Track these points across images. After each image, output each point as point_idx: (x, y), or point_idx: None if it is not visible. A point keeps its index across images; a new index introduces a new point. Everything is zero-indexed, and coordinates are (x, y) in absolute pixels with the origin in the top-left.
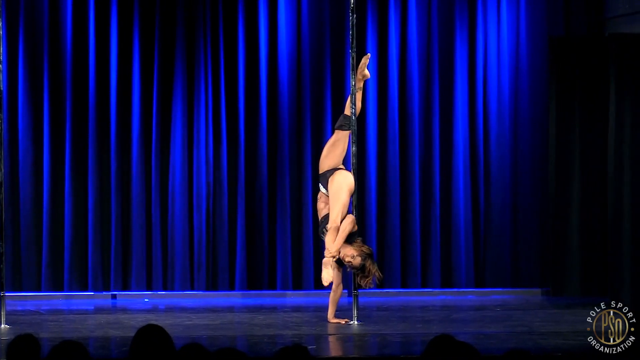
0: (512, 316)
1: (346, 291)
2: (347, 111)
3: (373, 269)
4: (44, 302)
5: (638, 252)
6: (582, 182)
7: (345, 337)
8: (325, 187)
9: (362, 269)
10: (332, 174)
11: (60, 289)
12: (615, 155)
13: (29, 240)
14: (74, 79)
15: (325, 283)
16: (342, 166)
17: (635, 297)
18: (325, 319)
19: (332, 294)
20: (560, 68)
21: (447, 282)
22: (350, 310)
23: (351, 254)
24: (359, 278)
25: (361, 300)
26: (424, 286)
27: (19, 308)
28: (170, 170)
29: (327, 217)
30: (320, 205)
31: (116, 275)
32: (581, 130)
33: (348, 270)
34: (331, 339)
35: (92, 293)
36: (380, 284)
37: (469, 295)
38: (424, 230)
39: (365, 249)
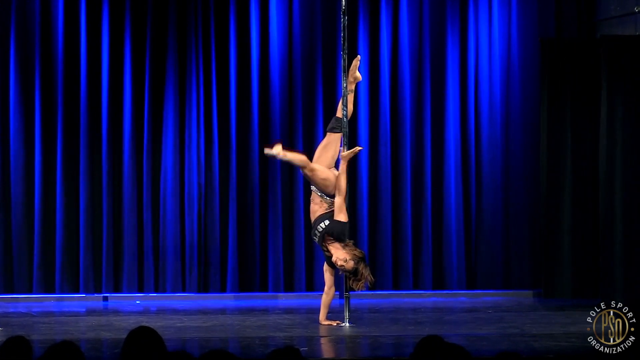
0: (504, 318)
1: (338, 293)
2: (339, 114)
3: (366, 272)
4: (36, 304)
5: (629, 254)
6: (574, 183)
7: (337, 339)
8: (318, 188)
9: (354, 272)
10: None
11: (51, 290)
12: (606, 157)
13: (21, 242)
14: (65, 81)
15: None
16: (333, 169)
17: (627, 299)
18: (317, 321)
19: (324, 296)
20: (551, 70)
21: (438, 284)
22: (342, 312)
23: (344, 258)
24: (351, 281)
25: (353, 302)
26: (415, 288)
27: (11, 310)
28: (161, 172)
29: (319, 218)
30: (314, 207)
31: (108, 277)
32: (573, 132)
33: (340, 273)
34: (323, 340)
35: (84, 295)
36: (372, 286)
37: (461, 297)
38: (416, 232)
39: (357, 252)
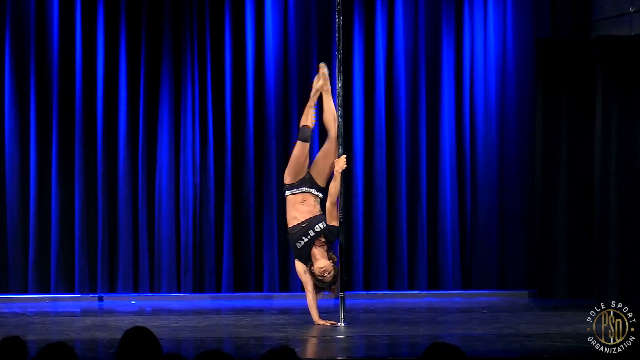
0: (499, 318)
1: (327, 293)
2: (307, 122)
3: (332, 290)
4: (31, 304)
5: (624, 254)
6: (569, 183)
7: (332, 339)
8: (315, 187)
9: (328, 286)
10: (310, 176)
11: (47, 291)
12: (601, 157)
13: (16, 242)
14: (60, 82)
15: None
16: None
17: (622, 299)
18: (312, 321)
19: (309, 296)
20: (546, 70)
21: (433, 284)
22: (337, 312)
23: (330, 271)
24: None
25: (348, 302)
26: (410, 288)
27: (6, 310)
28: (157, 173)
29: (315, 219)
30: (308, 208)
31: (103, 277)
32: (568, 132)
33: (314, 277)
34: (318, 341)
35: (79, 295)
36: (367, 286)
37: (456, 297)
38: (411, 233)
39: (335, 269)
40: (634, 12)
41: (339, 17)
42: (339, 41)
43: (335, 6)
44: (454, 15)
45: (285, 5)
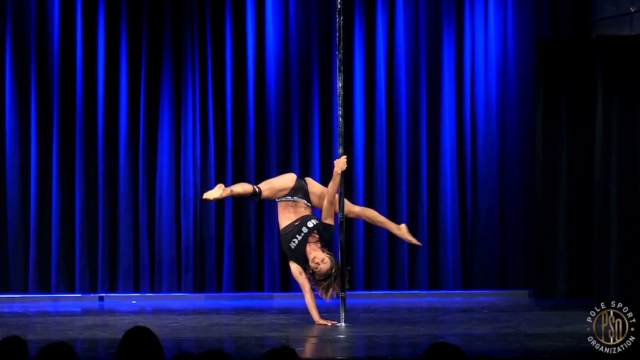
0: (500, 318)
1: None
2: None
3: (336, 284)
4: (31, 304)
5: (625, 254)
6: (569, 184)
7: (333, 339)
8: (306, 200)
9: (327, 277)
10: (303, 184)
11: (47, 290)
12: (602, 158)
13: (17, 242)
14: (61, 82)
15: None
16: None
17: (622, 299)
18: (312, 321)
19: (307, 296)
20: (547, 70)
21: (434, 284)
22: (338, 312)
23: (322, 258)
24: (320, 288)
25: (348, 302)
26: (411, 288)
27: (6, 310)
28: (157, 173)
29: (306, 217)
30: (299, 209)
31: (103, 277)
32: (568, 132)
33: (309, 274)
34: (318, 340)
35: (80, 295)
36: (367, 286)
37: (456, 297)
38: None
39: (333, 260)
40: (634, 12)
41: (339, 17)
42: (339, 41)
43: (336, 6)
44: (454, 15)
45: (285, 5)
